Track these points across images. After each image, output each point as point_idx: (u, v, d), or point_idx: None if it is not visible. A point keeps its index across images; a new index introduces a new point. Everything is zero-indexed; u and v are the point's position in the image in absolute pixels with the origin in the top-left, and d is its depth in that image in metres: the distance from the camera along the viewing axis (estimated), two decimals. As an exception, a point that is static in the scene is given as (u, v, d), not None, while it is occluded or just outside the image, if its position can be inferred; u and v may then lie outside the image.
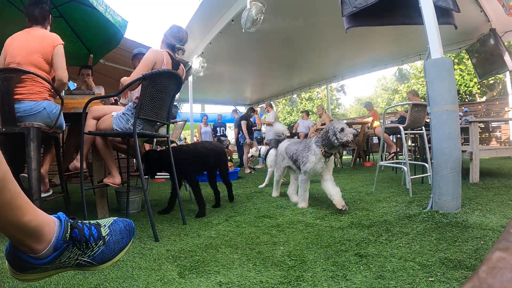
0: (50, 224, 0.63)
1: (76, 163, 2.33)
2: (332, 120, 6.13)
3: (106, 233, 0.74)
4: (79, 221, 0.71)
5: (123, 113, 1.94)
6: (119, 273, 1.26)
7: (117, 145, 2.56)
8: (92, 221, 0.75)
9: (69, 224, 0.66)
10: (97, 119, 2.04)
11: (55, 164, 2.19)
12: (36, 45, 1.86)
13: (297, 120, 7.59)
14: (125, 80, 1.93)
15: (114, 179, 2.11)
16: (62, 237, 0.63)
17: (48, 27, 2.05)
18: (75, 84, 6.69)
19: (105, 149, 2.14)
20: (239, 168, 5.39)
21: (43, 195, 2.00)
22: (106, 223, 0.77)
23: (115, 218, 0.80)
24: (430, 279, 1.08)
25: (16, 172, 2.04)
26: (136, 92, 2.00)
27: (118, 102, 2.98)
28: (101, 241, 0.72)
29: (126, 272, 1.27)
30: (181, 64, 2.14)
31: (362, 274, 1.15)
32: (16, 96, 1.78)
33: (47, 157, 2.14)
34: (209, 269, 1.27)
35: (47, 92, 1.91)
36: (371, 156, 7.28)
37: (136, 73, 1.90)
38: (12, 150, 2.02)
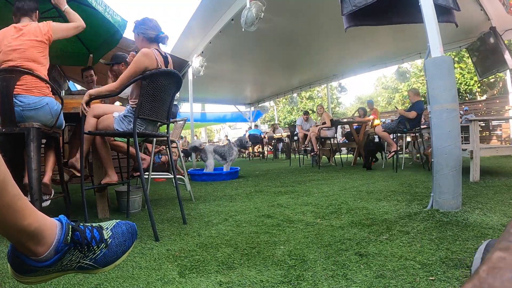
0: (51, 227, 0.63)
1: (74, 161, 2.34)
2: (332, 119, 6.14)
3: (108, 235, 0.74)
4: (81, 224, 0.71)
5: (124, 116, 1.93)
6: (120, 273, 1.26)
7: (115, 146, 2.57)
8: (94, 224, 0.74)
9: (70, 226, 0.66)
10: (98, 117, 2.03)
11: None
12: (31, 39, 1.85)
13: (297, 120, 7.57)
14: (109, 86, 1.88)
15: (111, 178, 2.15)
16: (63, 240, 0.63)
17: (36, 21, 2.02)
18: (76, 85, 6.70)
19: (103, 148, 2.15)
20: (239, 168, 5.39)
21: (45, 198, 2.00)
22: (108, 225, 0.76)
23: (117, 220, 0.80)
24: (431, 278, 1.08)
25: (16, 173, 2.04)
26: (133, 94, 1.98)
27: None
28: (103, 243, 0.71)
29: (126, 272, 1.27)
30: (169, 57, 2.04)
31: (363, 273, 1.15)
32: (18, 91, 1.78)
33: (49, 162, 2.09)
34: (209, 268, 1.27)
35: (48, 89, 1.91)
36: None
37: (126, 76, 1.81)
38: (11, 151, 2.02)
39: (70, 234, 0.65)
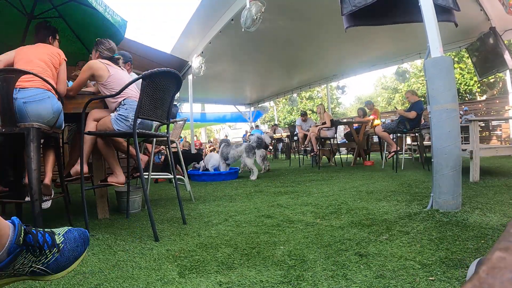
0: (4, 229, 0.63)
1: (77, 167, 2.32)
2: (332, 119, 6.13)
3: (61, 241, 0.75)
4: (33, 229, 0.72)
5: (119, 114, 1.96)
6: (119, 273, 1.26)
7: (117, 144, 2.56)
8: (46, 229, 0.76)
9: (22, 228, 0.67)
10: (97, 121, 2.05)
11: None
12: (45, 49, 2.07)
13: (296, 120, 7.55)
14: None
15: (118, 178, 2.11)
16: (16, 241, 0.64)
17: (55, 44, 2.28)
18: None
19: (106, 149, 2.14)
20: (239, 168, 5.39)
21: (46, 199, 2.00)
22: (60, 231, 0.78)
23: (69, 227, 0.82)
24: (431, 278, 1.08)
25: (16, 173, 2.04)
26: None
27: None
28: (55, 248, 0.73)
29: (126, 272, 1.27)
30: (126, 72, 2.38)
31: (362, 273, 1.15)
32: (21, 85, 1.80)
33: (48, 163, 2.08)
34: (209, 268, 1.27)
35: (51, 87, 1.93)
36: (371, 155, 7.27)
37: (77, 83, 2.13)
38: (11, 151, 2.02)
39: (22, 235, 0.65)
